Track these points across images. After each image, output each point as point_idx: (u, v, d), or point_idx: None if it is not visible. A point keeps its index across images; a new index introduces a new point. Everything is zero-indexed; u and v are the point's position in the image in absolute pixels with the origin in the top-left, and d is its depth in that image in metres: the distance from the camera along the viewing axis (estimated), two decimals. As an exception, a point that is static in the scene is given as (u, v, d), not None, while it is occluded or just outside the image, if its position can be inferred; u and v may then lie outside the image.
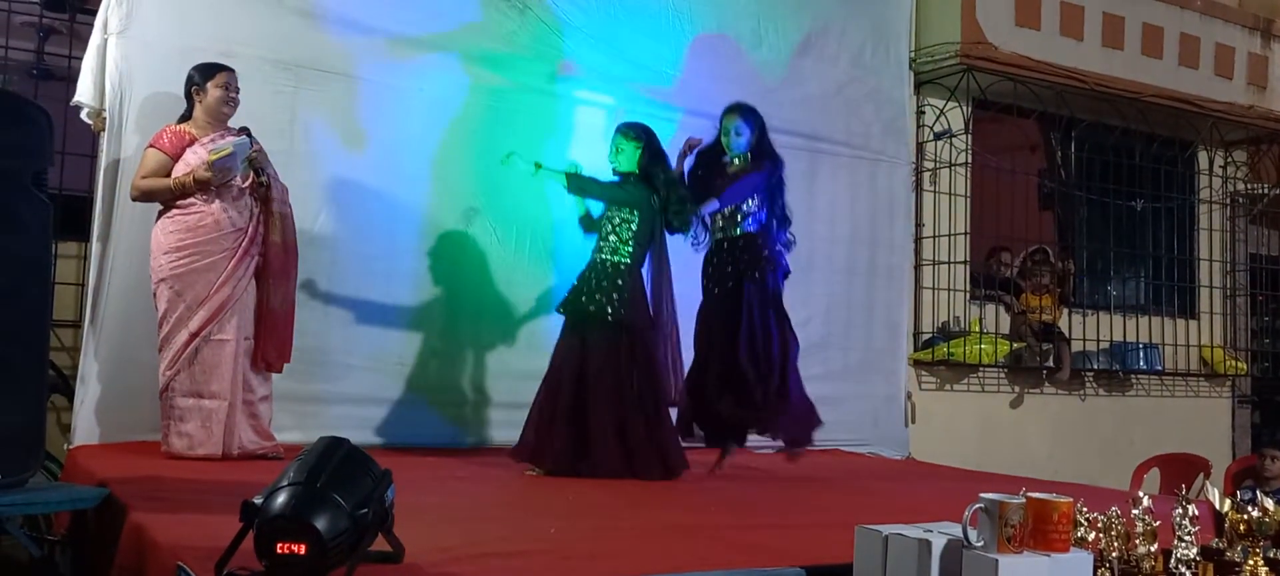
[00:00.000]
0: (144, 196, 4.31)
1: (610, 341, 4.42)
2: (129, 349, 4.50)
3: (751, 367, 4.63)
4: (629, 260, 4.47)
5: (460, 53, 5.40)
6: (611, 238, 4.50)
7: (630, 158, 4.57)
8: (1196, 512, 2.47)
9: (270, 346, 4.36)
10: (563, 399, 4.39)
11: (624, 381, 4.41)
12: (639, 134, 4.62)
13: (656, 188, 4.54)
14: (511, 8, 5.52)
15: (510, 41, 5.52)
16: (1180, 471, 5.64)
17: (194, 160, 4.26)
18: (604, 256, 4.49)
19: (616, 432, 4.36)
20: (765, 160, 4.80)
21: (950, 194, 7.03)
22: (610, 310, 4.40)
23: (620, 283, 4.43)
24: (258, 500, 2.08)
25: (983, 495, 2.12)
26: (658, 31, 5.92)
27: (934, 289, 6.99)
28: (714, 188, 4.75)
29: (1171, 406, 7.95)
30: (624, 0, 5.81)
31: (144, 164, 4.29)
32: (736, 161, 4.79)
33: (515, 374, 5.35)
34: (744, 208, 4.75)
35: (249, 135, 4.31)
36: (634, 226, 4.49)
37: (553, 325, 4.71)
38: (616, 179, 4.61)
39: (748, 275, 4.69)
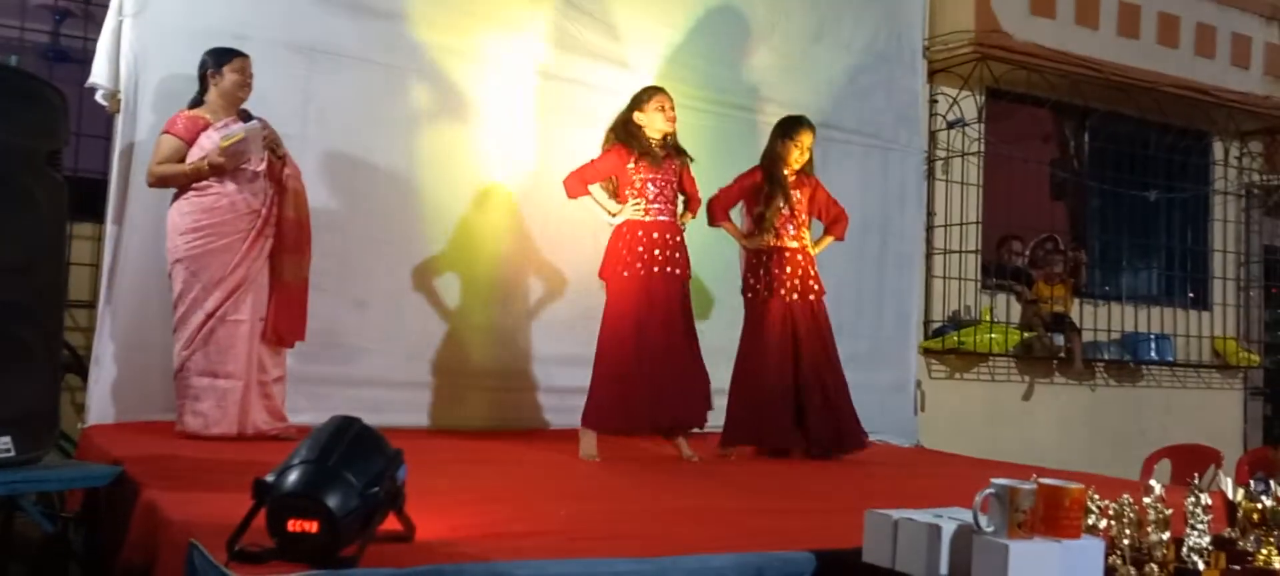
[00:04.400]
0: (160, 182, 4.32)
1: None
2: (143, 330, 4.53)
3: (818, 387, 4.86)
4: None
5: (473, 36, 5.40)
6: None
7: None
8: (1209, 502, 2.46)
9: (283, 321, 4.37)
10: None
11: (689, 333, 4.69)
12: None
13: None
14: (523, -10, 5.53)
15: (522, 24, 5.52)
16: (1191, 462, 5.61)
17: (208, 145, 4.26)
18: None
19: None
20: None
21: (962, 183, 7.01)
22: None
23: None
24: (270, 478, 2.09)
25: (994, 481, 2.11)
26: (668, 16, 5.90)
27: (945, 277, 6.97)
28: (777, 201, 4.92)
29: (1183, 398, 7.92)
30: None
31: (159, 150, 4.30)
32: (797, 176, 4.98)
33: (528, 356, 5.38)
34: (806, 221, 4.98)
35: (249, 118, 4.33)
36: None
37: (564, 306, 4.72)
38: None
39: (813, 290, 4.93)
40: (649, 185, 4.60)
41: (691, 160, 4.78)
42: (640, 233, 4.58)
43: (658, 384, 4.47)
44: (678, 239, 4.66)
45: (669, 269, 4.57)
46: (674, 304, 4.60)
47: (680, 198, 4.77)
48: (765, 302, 4.90)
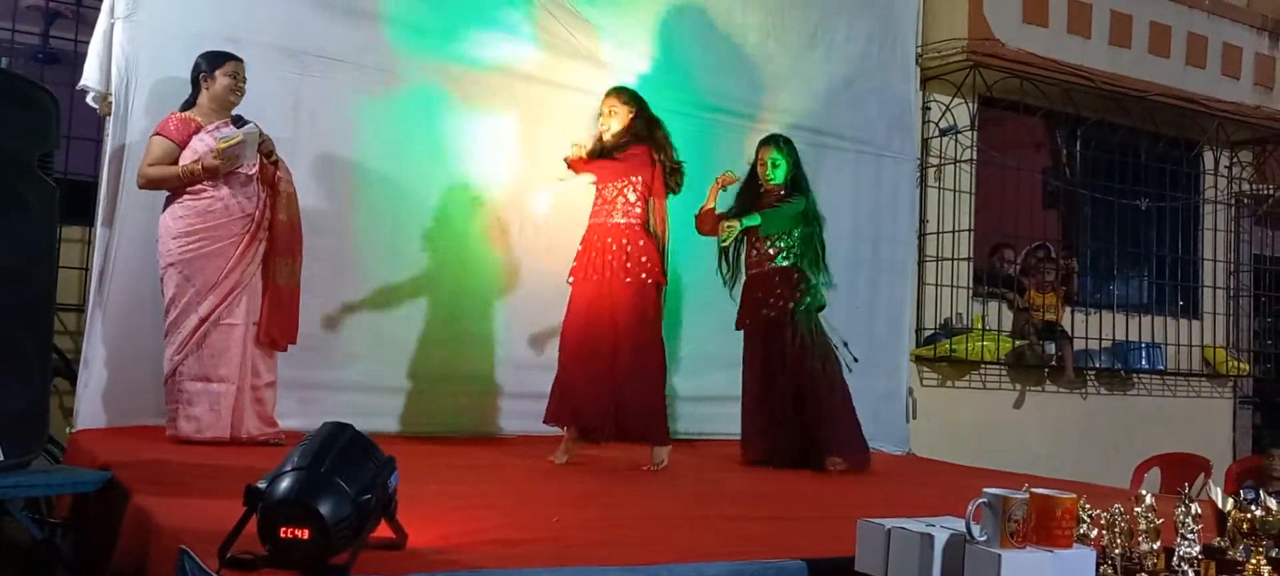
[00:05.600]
0: (151, 184, 4.30)
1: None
2: (133, 333, 4.50)
3: (793, 400, 4.82)
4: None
5: (465, 40, 5.39)
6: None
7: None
8: (1199, 511, 2.47)
9: (276, 325, 4.36)
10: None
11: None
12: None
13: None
14: (521, -2, 5.54)
15: (518, 31, 5.52)
16: (1180, 471, 5.64)
17: (200, 148, 4.25)
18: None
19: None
20: (800, 193, 4.95)
21: (955, 190, 7.03)
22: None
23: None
24: (261, 484, 2.08)
25: (986, 490, 2.12)
26: (662, 23, 5.90)
27: (937, 285, 6.98)
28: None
29: (1173, 406, 7.94)
30: (631, -6, 5.82)
31: (150, 151, 4.29)
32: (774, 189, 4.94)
33: (519, 363, 5.36)
34: (781, 243, 4.88)
35: (244, 123, 4.32)
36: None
37: (557, 314, 4.71)
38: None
39: (783, 309, 4.85)
40: (601, 189, 4.60)
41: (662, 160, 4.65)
42: (595, 237, 4.57)
43: (595, 389, 4.43)
44: (630, 244, 4.49)
45: (619, 276, 4.48)
46: (624, 311, 4.47)
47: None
48: (748, 327, 4.94)
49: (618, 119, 4.61)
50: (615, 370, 4.45)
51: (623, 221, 4.54)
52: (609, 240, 4.52)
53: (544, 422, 4.61)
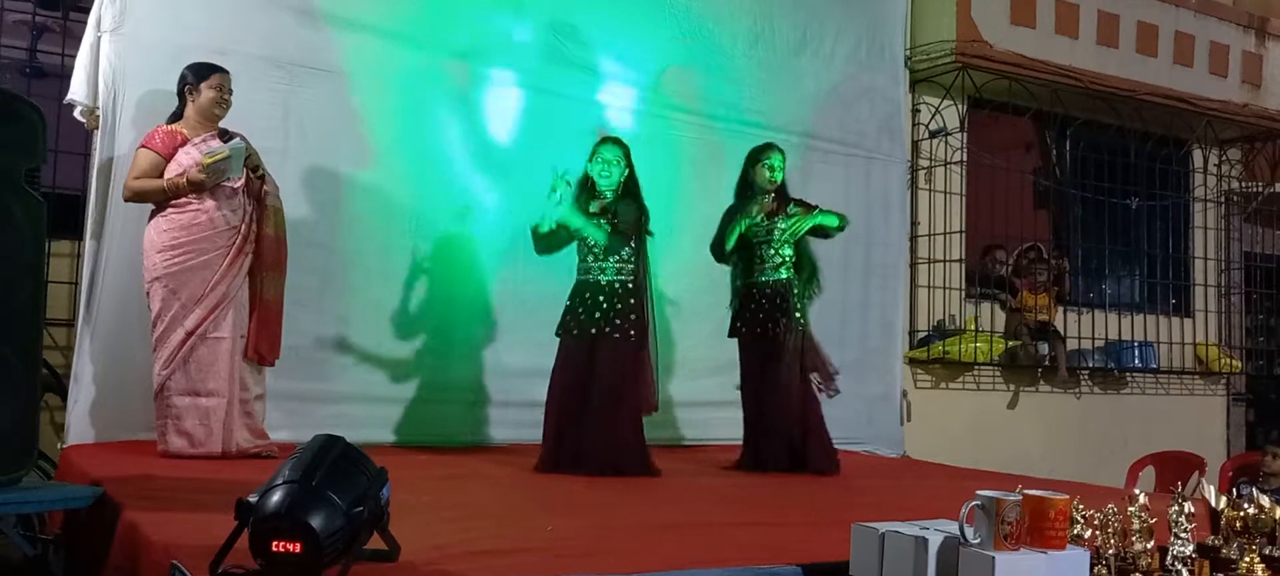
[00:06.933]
0: (136, 197, 4.29)
1: (614, 355, 4.43)
2: (123, 348, 4.49)
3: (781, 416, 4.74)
4: (632, 278, 4.48)
5: (453, 50, 5.39)
6: (613, 259, 4.49)
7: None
8: (1192, 509, 2.47)
9: (263, 338, 4.35)
10: (569, 409, 4.45)
11: (627, 392, 4.44)
12: (625, 152, 4.60)
13: (642, 203, 4.55)
14: (505, 3, 5.52)
15: (504, 38, 5.51)
16: (1175, 469, 5.64)
17: (186, 161, 4.24)
18: (608, 278, 4.48)
19: (609, 440, 4.39)
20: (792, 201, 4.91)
21: (945, 192, 7.04)
22: (616, 326, 4.43)
23: (630, 300, 4.46)
24: (252, 498, 2.07)
25: (979, 492, 2.11)
26: (652, 30, 5.91)
27: (929, 287, 6.99)
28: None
29: (1166, 405, 7.96)
30: (617, -4, 5.83)
31: (136, 164, 4.27)
32: (771, 199, 4.88)
33: (509, 372, 5.36)
34: (784, 252, 4.83)
35: (230, 136, 4.31)
36: (633, 244, 4.51)
37: (547, 324, 4.70)
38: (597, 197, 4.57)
39: (779, 322, 4.77)
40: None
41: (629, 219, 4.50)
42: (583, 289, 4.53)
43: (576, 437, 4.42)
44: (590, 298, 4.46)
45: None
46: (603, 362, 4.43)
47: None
48: (744, 335, 4.89)
49: (617, 170, 4.54)
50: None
51: (615, 278, 4.48)
52: (599, 296, 4.47)
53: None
